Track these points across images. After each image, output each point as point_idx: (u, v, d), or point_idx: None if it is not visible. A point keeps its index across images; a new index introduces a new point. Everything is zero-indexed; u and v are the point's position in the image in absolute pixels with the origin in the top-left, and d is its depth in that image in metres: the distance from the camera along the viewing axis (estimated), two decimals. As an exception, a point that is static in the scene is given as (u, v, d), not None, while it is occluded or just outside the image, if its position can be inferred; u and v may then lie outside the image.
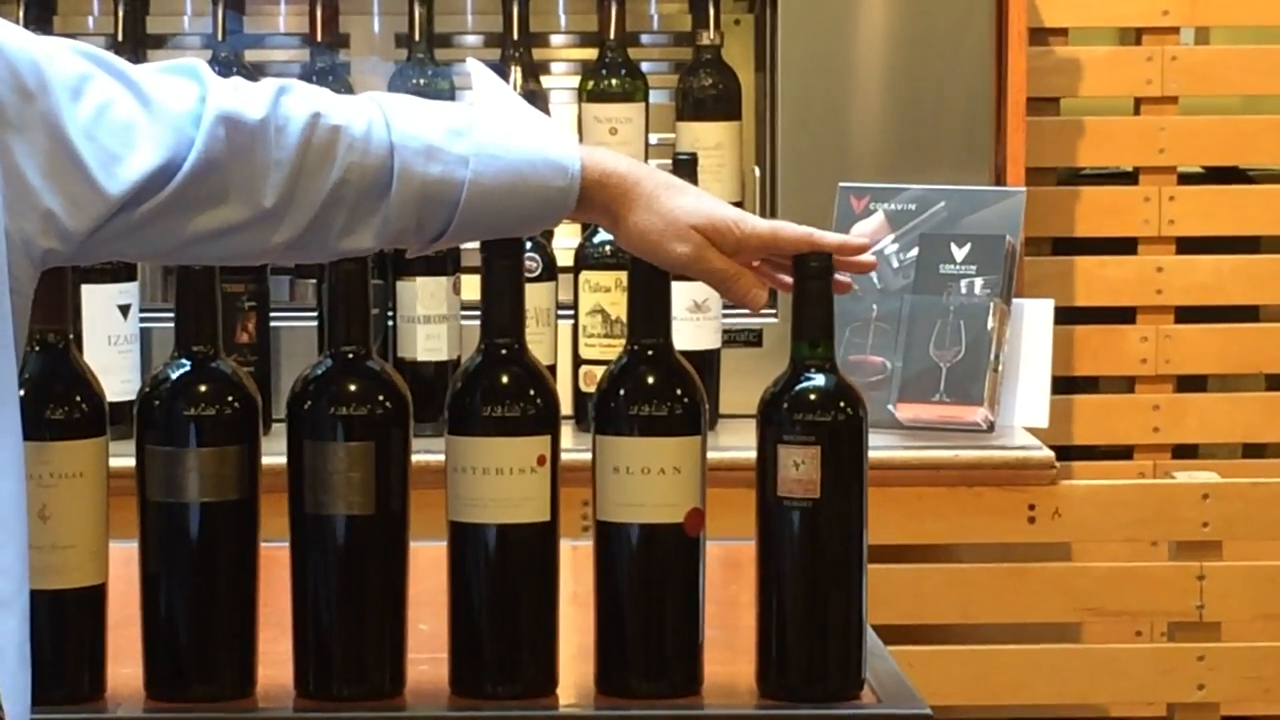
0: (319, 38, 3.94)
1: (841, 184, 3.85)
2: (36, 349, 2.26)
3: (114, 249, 2.25)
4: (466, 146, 2.32)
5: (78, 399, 2.27)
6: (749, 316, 3.66)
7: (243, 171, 2.26)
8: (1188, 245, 4.21)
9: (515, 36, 3.95)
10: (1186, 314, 4.21)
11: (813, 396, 2.32)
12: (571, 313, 3.73)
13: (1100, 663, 4.12)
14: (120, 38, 3.88)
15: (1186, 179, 4.23)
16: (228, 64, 3.76)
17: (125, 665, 2.34)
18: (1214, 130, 4.26)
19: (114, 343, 3.51)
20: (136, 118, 2.22)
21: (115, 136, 2.20)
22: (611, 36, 3.95)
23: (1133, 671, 4.12)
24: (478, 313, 2.35)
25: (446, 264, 3.61)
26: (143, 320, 3.64)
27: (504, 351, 2.33)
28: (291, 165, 2.28)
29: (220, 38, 3.94)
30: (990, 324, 3.80)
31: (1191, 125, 4.22)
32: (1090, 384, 4.19)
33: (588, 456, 2.35)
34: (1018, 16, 3.90)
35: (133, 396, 2.51)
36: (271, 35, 4.02)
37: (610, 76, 3.95)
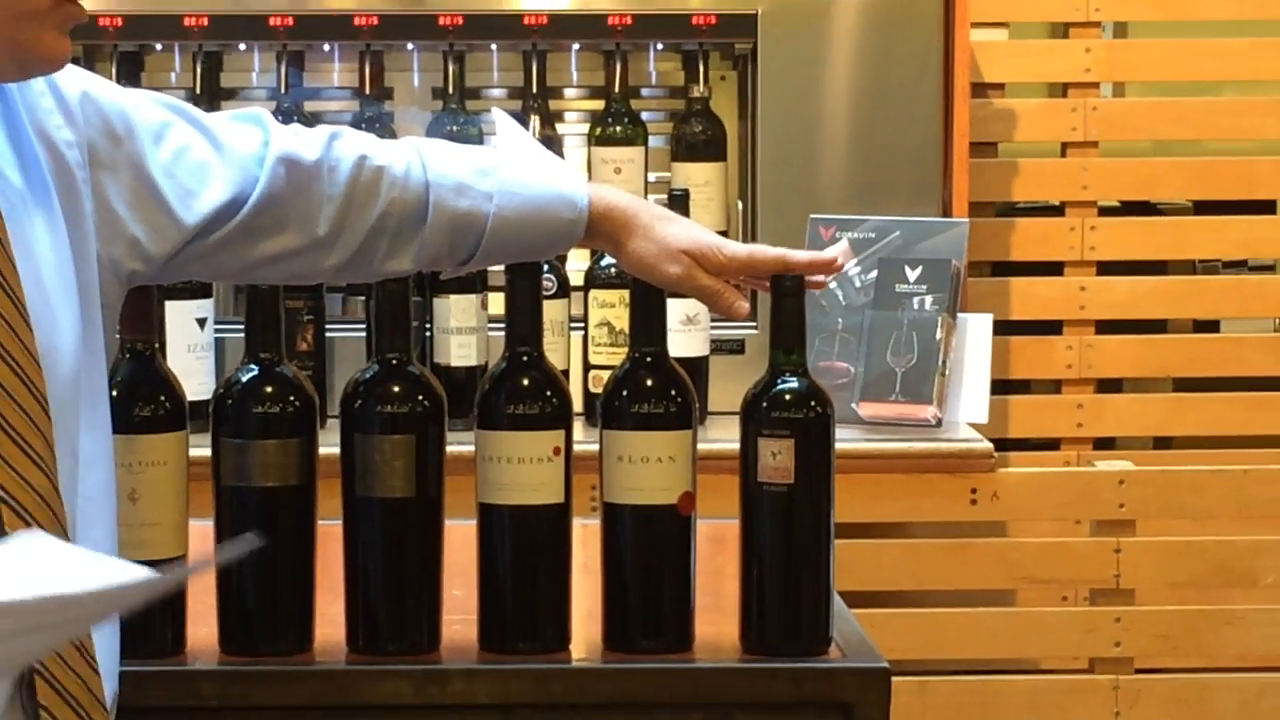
0: (367, 90, 3.94)
1: (812, 215, 3.85)
2: (127, 356, 2.27)
3: (190, 270, 2.26)
4: (491, 184, 2.34)
5: (162, 399, 2.28)
6: (733, 327, 3.66)
7: (300, 205, 2.27)
8: (1106, 268, 4.21)
9: (534, 90, 3.95)
10: (1105, 326, 4.20)
11: (788, 396, 2.32)
12: (582, 325, 3.73)
13: (1031, 623, 4.12)
14: (198, 90, 3.87)
15: (1105, 211, 4.23)
16: (288, 113, 3.76)
17: (202, 625, 2.34)
18: (1128, 170, 4.26)
19: (192, 350, 3.52)
20: (209, 159, 2.23)
21: (191, 175, 2.21)
22: (616, 90, 3.96)
23: (1059, 631, 4.11)
24: (502, 325, 2.36)
25: (475, 283, 3.61)
26: (217, 331, 3.64)
27: (525, 358, 2.33)
28: (342, 199, 2.29)
29: (283, 90, 3.94)
30: (938, 335, 3.80)
31: (1109, 165, 4.22)
32: (1023, 386, 4.19)
33: (595, 447, 2.35)
34: (962, 73, 3.90)
35: (208, 396, 2.51)
36: (326, 88, 4.01)
37: (615, 124, 3.95)
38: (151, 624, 2.26)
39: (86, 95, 2.15)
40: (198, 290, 3.53)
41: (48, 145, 2.09)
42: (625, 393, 2.33)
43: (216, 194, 2.20)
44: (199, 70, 3.95)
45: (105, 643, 2.05)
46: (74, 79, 2.15)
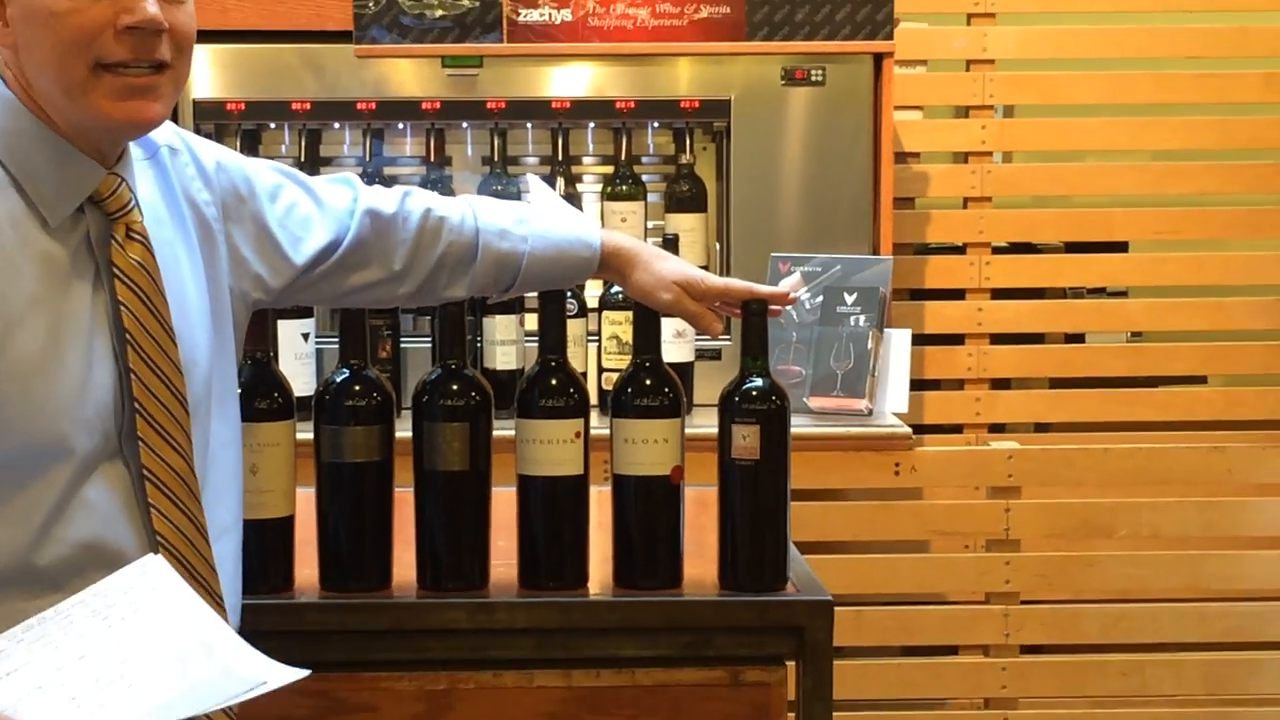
0: (431, 159, 3.94)
1: (773, 254, 3.85)
2: (249, 362, 2.27)
3: (299, 297, 2.26)
4: (526, 230, 2.35)
5: (275, 395, 2.30)
6: (711, 341, 3.66)
7: (381, 247, 2.28)
8: (998, 294, 4.21)
9: (559, 158, 3.95)
10: (997, 339, 4.21)
11: (754, 392, 2.33)
12: (596, 338, 3.73)
13: (941, 566, 4.11)
14: (302, 159, 3.88)
15: (997, 250, 4.23)
16: (371, 176, 3.76)
17: (306, 568, 2.35)
18: (1014, 219, 4.27)
19: (298, 358, 3.53)
20: (312, 213, 2.24)
21: (299, 225, 2.22)
22: (622, 158, 3.95)
23: (962, 572, 4.11)
24: (536, 337, 2.36)
25: (515, 306, 3.61)
26: (317, 343, 3.64)
27: (553, 363, 2.34)
28: (412, 243, 2.30)
29: (367, 159, 3.95)
30: (869, 345, 3.79)
31: (1000, 215, 4.23)
32: (934, 384, 4.19)
33: (607, 432, 2.36)
34: (887, 145, 3.90)
35: (310, 393, 2.52)
36: (400, 157, 4.02)
37: (621, 185, 3.95)
38: (267, 568, 2.29)
39: (219, 164, 2.15)
40: (302, 312, 3.53)
41: (191, 204, 2.10)
42: (629, 390, 2.33)
43: (318, 239, 2.21)
44: (303, 143, 3.95)
45: (229, 582, 2.05)
46: (210, 152, 2.15)
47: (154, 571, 1.80)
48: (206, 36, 3.78)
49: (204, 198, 2.11)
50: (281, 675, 1.75)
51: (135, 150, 2.06)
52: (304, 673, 1.77)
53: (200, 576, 1.96)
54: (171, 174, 2.08)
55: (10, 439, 1.84)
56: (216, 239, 2.11)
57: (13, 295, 1.86)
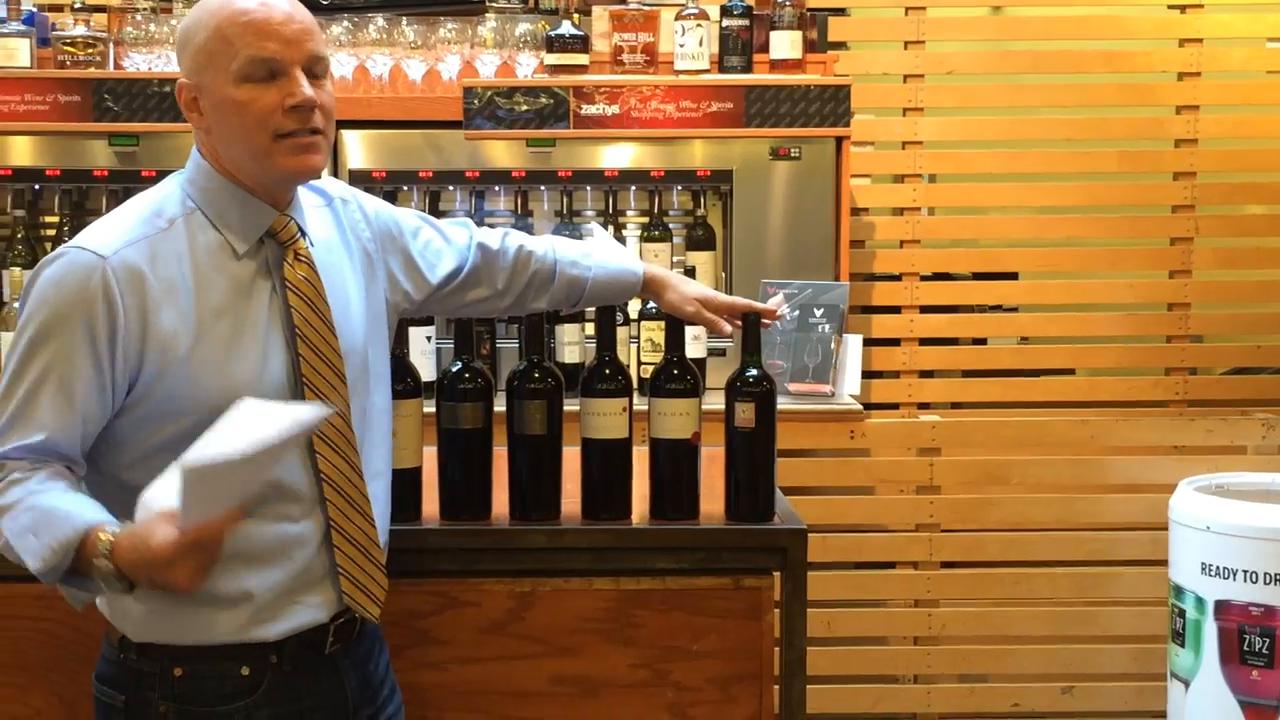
0: (518, 212, 3.94)
1: (763, 280, 3.84)
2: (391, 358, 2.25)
3: (431, 309, 2.27)
4: (590, 262, 2.35)
5: (408, 380, 2.29)
6: (720, 341, 3.65)
7: (488, 272, 2.28)
8: (925, 310, 4.19)
9: (610, 211, 3.95)
10: (924, 342, 4.18)
11: (751, 379, 2.33)
12: (636, 340, 3.72)
13: (883, 504, 4.11)
14: (427, 210, 3.86)
15: (924, 278, 4.20)
16: (479, 222, 3.75)
17: (430, 503, 2.35)
18: (937, 256, 4.25)
19: (423, 353, 3.51)
20: (442, 247, 2.25)
21: (434, 255, 2.23)
22: (655, 212, 3.95)
23: (897, 508, 4.10)
24: (594, 339, 2.36)
25: (578, 317, 3.61)
26: (437, 343, 3.64)
27: (606, 358, 2.33)
28: (510, 270, 2.30)
29: (473, 212, 3.95)
30: (832, 346, 3.78)
31: (926, 254, 4.21)
32: (879, 374, 4.15)
33: (645, 407, 2.35)
34: (845, 202, 3.89)
35: (431, 379, 2.53)
36: (496, 210, 4.02)
37: (654, 230, 3.94)
38: (403, 503, 2.27)
39: (377, 212, 2.16)
40: (426, 321, 3.52)
41: (357, 239, 2.11)
42: (661, 377, 2.32)
43: (447, 265, 2.21)
44: (426, 202, 3.95)
45: (381, 511, 2.05)
46: (370, 203, 2.17)
47: (238, 405, 1.77)
48: (358, 125, 3.84)
49: (366, 235, 2.12)
50: (324, 409, 1.78)
51: (315, 199, 2.08)
52: (329, 409, 1.82)
53: (357, 505, 1.97)
54: (343, 218, 2.10)
55: (205, 409, 1.84)
56: (376, 265, 2.12)
57: (208, 304, 1.89)
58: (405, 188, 3.95)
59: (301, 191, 2.05)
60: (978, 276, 4.28)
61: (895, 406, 4.15)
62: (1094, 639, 4.14)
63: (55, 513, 1.77)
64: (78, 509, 1.78)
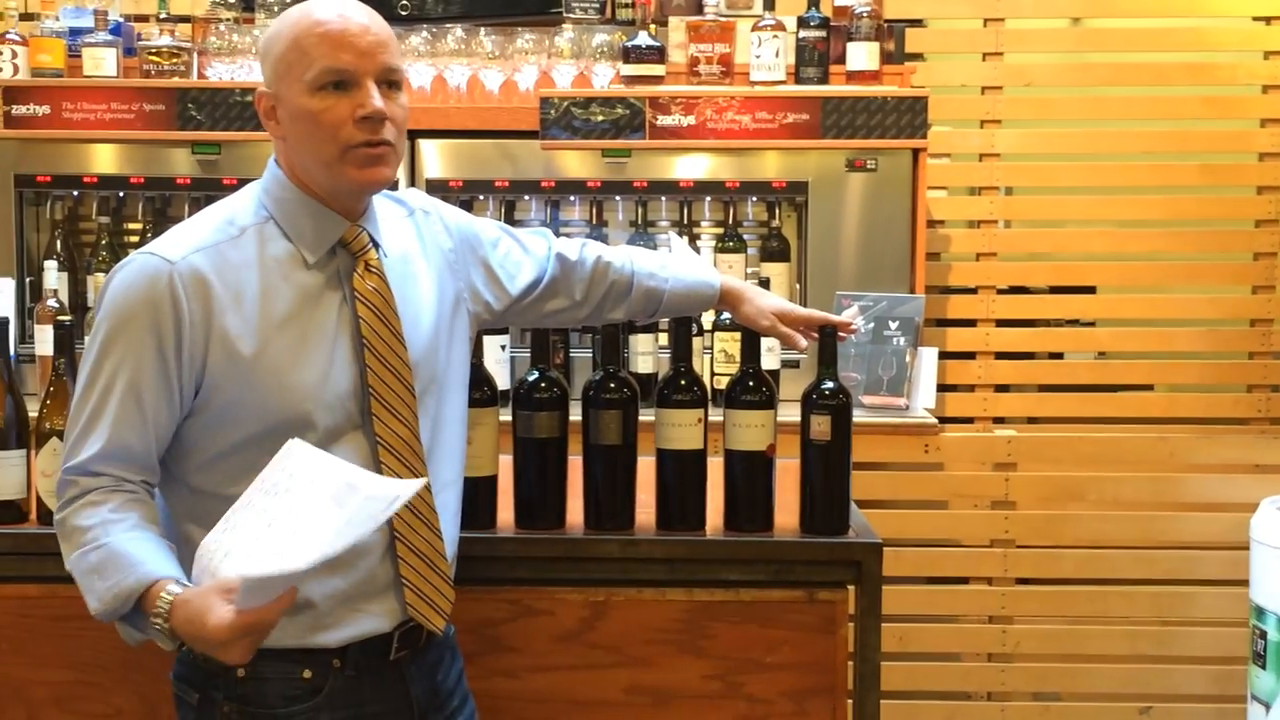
0: (593, 222, 3.95)
1: (838, 292, 3.82)
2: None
3: (511, 320, 2.27)
4: (668, 274, 2.35)
5: (484, 388, 2.28)
6: (793, 354, 3.64)
7: (566, 282, 2.28)
8: (1001, 324, 4.15)
9: (684, 222, 3.95)
10: (1000, 355, 4.14)
11: (827, 392, 2.31)
12: (710, 351, 3.70)
13: (957, 519, 4.08)
14: (502, 219, 3.88)
15: (1001, 292, 4.17)
16: (555, 232, 3.77)
17: (505, 511, 2.34)
18: (1014, 269, 4.22)
19: (499, 363, 3.53)
20: (522, 258, 2.24)
21: (514, 266, 2.22)
22: (730, 223, 3.94)
23: (971, 524, 4.08)
24: (669, 350, 2.35)
25: (652, 327, 3.60)
26: (512, 351, 3.65)
27: (682, 369, 2.33)
28: (588, 281, 2.30)
29: (548, 222, 3.96)
30: (907, 359, 3.75)
31: (1003, 267, 4.17)
32: (953, 388, 4.13)
33: (720, 419, 2.33)
34: (921, 214, 3.86)
35: (504, 387, 2.53)
36: (572, 220, 4.02)
37: (729, 241, 3.93)
38: (478, 511, 2.27)
39: (458, 224, 2.17)
40: (500, 330, 3.53)
41: (438, 250, 2.12)
42: (737, 389, 2.31)
43: (527, 276, 2.22)
44: (502, 211, 3.97)
45: (451, 521, 2.05)
46: (451, 214, 2.18)
47: (296, 451, 1.79)
48: (436, 135, 3.86)
49: (447, 247, 2.13)
50: (408, 487, 1.71)
51: (397, 210, 2.09)
52: (422, 481, 1.78)
53: (423, 516, 1.97)
54: (424, 229, 2.11)
55: (269, 416, 1.87)
56: (457, 277, 2.12)
57: (274, 313, 1.89)
58: (481, 197, 3.96)
59: (382, 202, 2.07)
60: (1055, 290, 4.23)
61: (970, 421, 4.11)
62: (1172, 659, 4.07)
63: (122, 558, 1.79)
64: (144, 556, 1.79)
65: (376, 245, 1.99)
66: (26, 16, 4.06)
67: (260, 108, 1.95)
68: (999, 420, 4.14)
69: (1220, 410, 4.15)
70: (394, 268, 2.00)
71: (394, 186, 2.06)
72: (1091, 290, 4.24)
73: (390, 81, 1.92)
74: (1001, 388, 4.15)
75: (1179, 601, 4.07)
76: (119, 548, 1.80)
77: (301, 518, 1.71)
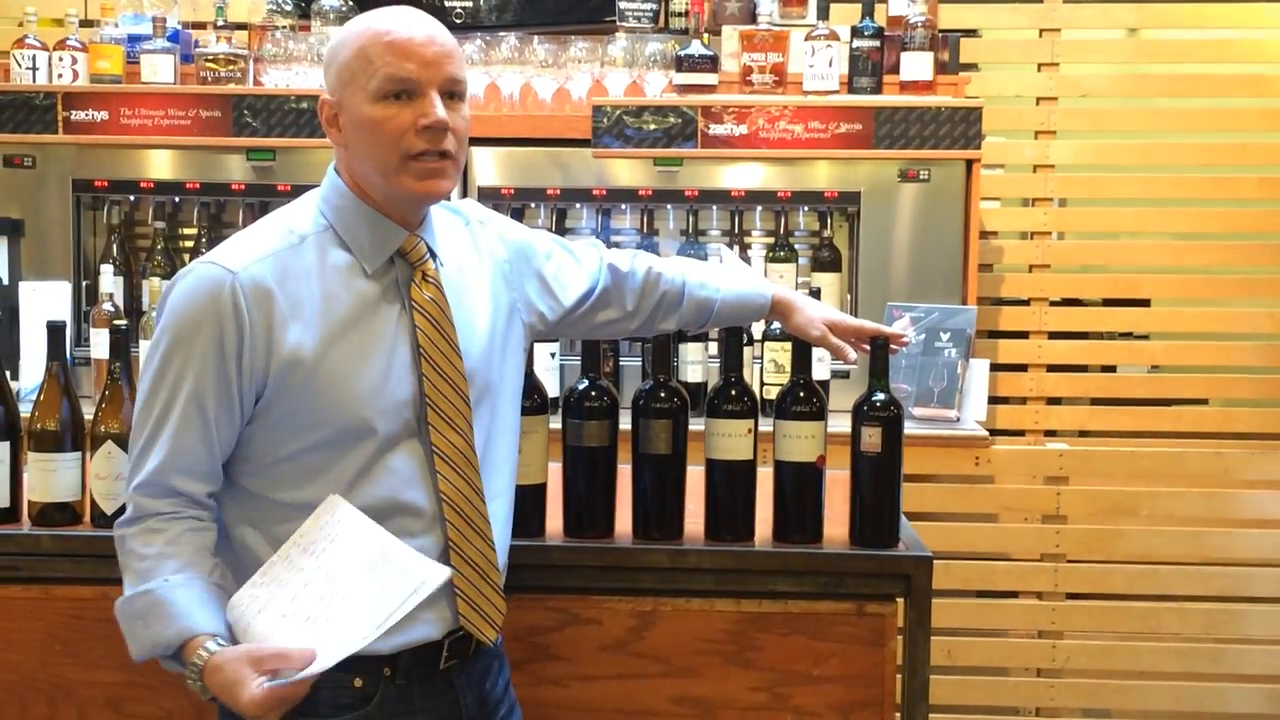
0: (644, 231, 3.94)
1: (889, 303, 3.80)
2: (518, 375, 2.25)
3: (564, 331, 2.26)
4: (719, 284, 2.34)
5: (535, 396, 2.27)
6: (846, 365, 3.62)
7: (618, 293, 2.27)
8: (1053, 336, 4.12)
9: (735, 231, 3.94)
10: (1052, 369, 4.12)
11: (878, 404, 2.29)
12: (760, 360, 3.68)
13: (1007, 533, 4.04)
14: (552, 229, 3.90)
15: (1053, 304, 4.14)
16: (607, 242, 3.77)
17: (554, 520, 2.34)
18: (1067, 281, 4.18)
19: (548, 370, 3.53)
20: (574, 269, 2.24)
21: (567, 277, 2.22)
22: (781, 232, 3.93)
23: (1021, 537, 4.04)
24: (717, 359, 2.35)
25: (704, 337, 3.59)
26: (562, 359, 3.65)
27: (732, 379, 2.31)
28: (640, 290, 2.29)
29: (599, 230, 3.97)
30: (958, 371, 3.73)
31: (1056, 279, 4.15)
32: (1005, 400, 4.10)
33: (770, 429, 2.32)
34: (974, 225, 3.84)
35: (556, 395, 2.52)
36: (622, 229, 4.02)
37: (780, 251, 3.92)
38: (527, 519, 2.26)
39: (513, 235, 2.17)
40: (551, 339, 3.52)
41: (494, 261, 2.11)
42: (788, 400, 2.30)
43: (579, 287, 2.21)
44: (553, 219, 3.97)
45: (501, 531, 2.04)
46: (508, 226, 2.19)
47: (336, 509, 1.84)
48: (488, 142, 3.87)
49: (503, 258, 2.12)
50: (436, 574, 1.78)
51: (453, 220, 2.10)
52: (448, 570, 1.82)
53: (476, 526, 1.97)
54: (480, 240, 2.11)
55: (328, 422, 1.88)
56: (512, 288, 2.12)
57: (335, 321, 1.90)
58: (532, 205, 3.97)
59: (440, 213, 2.07)
60: (1108, 303, 4.20)
61: (1021, 433, 4.08)
62: (1224, 677, 4.02)
63: (166, 608, 1.83)
64: (188, 608, 1.83)
65: (433, 255, 1.99)
66: (86, 23, 4.11)
67: (323, 115, 1.96)
68: (1050, 433, 4.11)
69: (1276, 426, 4.10)
70: (450, 278, 2.00)
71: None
72: (1146, 303, 4.20)
73: (453, 92, 1.92)
74: (1053, 400, 4.12)
75: (1232, 619, 4.03)
76: (164, 596, 1.84)
77: (336, 582, 1.77)
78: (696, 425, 2.31)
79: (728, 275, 2.33)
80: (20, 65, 3.91)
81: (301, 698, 1.77)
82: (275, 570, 1.82)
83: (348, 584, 1.77)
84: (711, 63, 3.87)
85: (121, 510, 1.92)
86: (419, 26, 1.91)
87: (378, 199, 1.95)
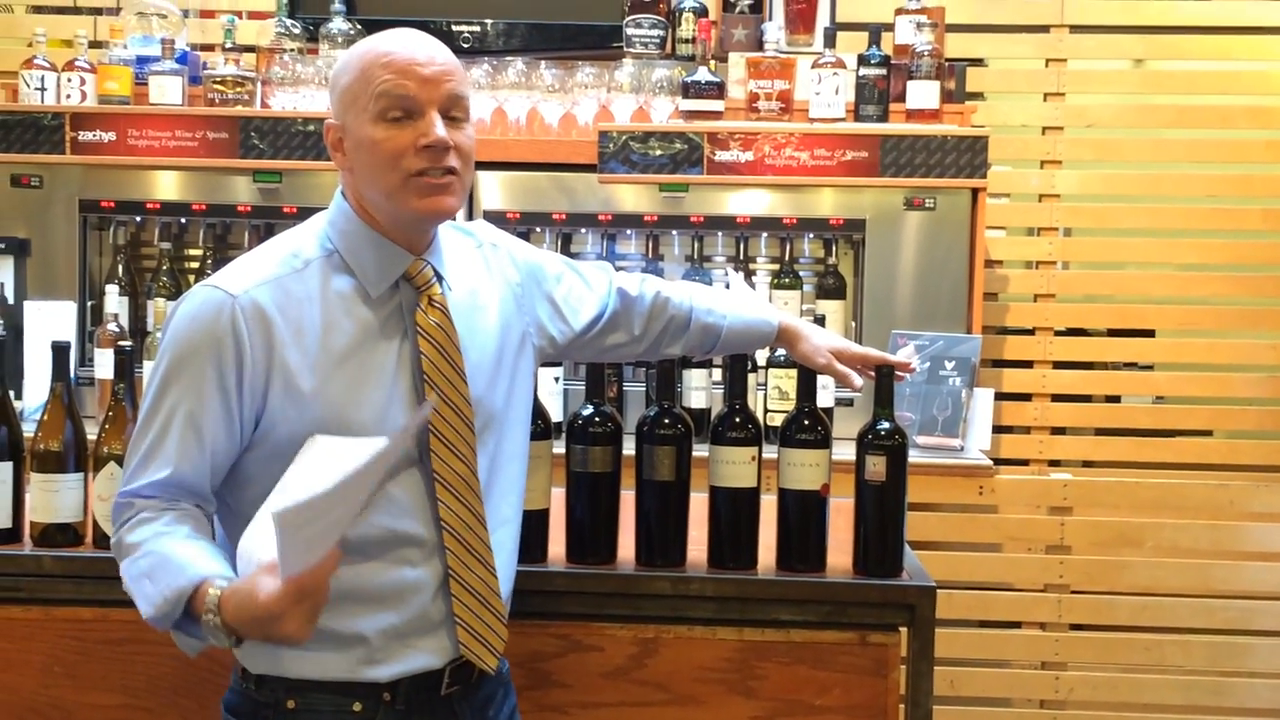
0: (649, 256, 3.95)
1: (893, 331, 3.80)
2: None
3: (572, 354, 2.26)
4: (726, 310, 2.33)
5: (539, 422, 2.25)
6: (850, 392, 3.61)
7: (625, 317, 2.27)
8: (1058, 365, 4.12)
9: (740, 257, 3.94)
10: (1056, 398, 4.11)
11: (882, 432, 2.29)
12: (764, 388, 3.67)
13: (1011, 563, 4.03)
14: (559, 251, 3.87)
15: (1058, 334, 4.13)
16: (617, 267, 3.77)
17: (556, 545, 2.34)
18: (1071, 311, 4.18)
19: (551, 394, 3.52)
20: (584, 292, 2.23)
21: (577, 300, 2.21)
22: (786, 259, 3.93)
23: (1025, 567, 4.03)
24: (721, 385, 2.34)
25: (706, 362, 3.59)
26: (566, 384, 3.64)
27: (736, 405, 2.31)
28: (647, 316, 2.29)
29: (604, 255, 3.96)
30: (963, 399, 3.72)
31: (1061, 309, 4.14)
32: (1009, 429, 4.09)
33: (774, 456, 2.31)
34: (979, 254, 3.84)
35: (556, 419, 2.51)
36: (628, 254, 4.02)
37: (785, 278, 3.92)
38: (529, 544, 2.24)
39: (525, 259, 2.17)
40: (554, 363, 3.52)
41: (505, 284, 2.11)
42: (793, 428, 2.29)
43: (589, 311, 2.21)
44: (559, 243, 3.98)
45: (507, 559, 2.03)
46: (519, 249, 2.18)
47: (313, 440, 1.83)
48: (494, 166, 3.88)
49: (515, 281, 2.12)
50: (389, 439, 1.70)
51: (466, 240, 2.10)
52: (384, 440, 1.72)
53: (477, 554, 1.95)
54: (492, 262, 2.11)
55: None
56: (523, 311, 2.11)
57: (335, 349, 1.89)
58: (538, 229, 3.97)
59: (450, 234, 2.07)
60: (1113, 333, 4.20)
61: (1025, 463, 4.08)
62: (1229, 711, 4.01)
63: (171, 560, 1.78)
64: (193, 557, 1.79)
65: (440, 279, 1.98)
66: (95, 44, 4.12)
67: (328, 139, 1.96)
68: (1054, 463, 4.11)
69: (1281, 458, 4.10)
70: (460, 302, 1.99)
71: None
72: (1151, 334, 4.20)
73: (455, 111, 1.92)
74: (1058, 430, 4.11)
75: (1237, 652, 4.01)
76: (169, 552, 1.80)
77: (308, 477, 1.73)
78: (700, 451, 2.30)
79: (734, 301, 2.33)
80: (29, 85, 3.92)
81: (324, 594, 1.68)
82: (263, 507, 1.79)
83: (317, 474, 1.72)
84: (718, 89, 3.88)
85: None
86: (420, 47, 1.91)
87: (384, 222, 1.94)
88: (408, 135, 1.88)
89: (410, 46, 1.90)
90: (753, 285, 3.91)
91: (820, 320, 3.58)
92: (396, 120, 1.88)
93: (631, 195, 3.91)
